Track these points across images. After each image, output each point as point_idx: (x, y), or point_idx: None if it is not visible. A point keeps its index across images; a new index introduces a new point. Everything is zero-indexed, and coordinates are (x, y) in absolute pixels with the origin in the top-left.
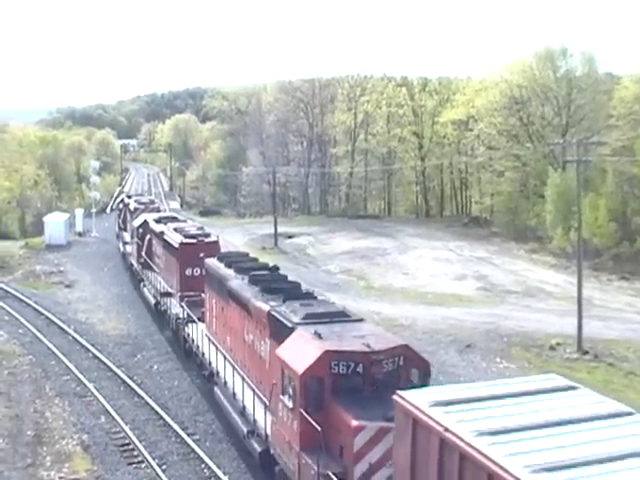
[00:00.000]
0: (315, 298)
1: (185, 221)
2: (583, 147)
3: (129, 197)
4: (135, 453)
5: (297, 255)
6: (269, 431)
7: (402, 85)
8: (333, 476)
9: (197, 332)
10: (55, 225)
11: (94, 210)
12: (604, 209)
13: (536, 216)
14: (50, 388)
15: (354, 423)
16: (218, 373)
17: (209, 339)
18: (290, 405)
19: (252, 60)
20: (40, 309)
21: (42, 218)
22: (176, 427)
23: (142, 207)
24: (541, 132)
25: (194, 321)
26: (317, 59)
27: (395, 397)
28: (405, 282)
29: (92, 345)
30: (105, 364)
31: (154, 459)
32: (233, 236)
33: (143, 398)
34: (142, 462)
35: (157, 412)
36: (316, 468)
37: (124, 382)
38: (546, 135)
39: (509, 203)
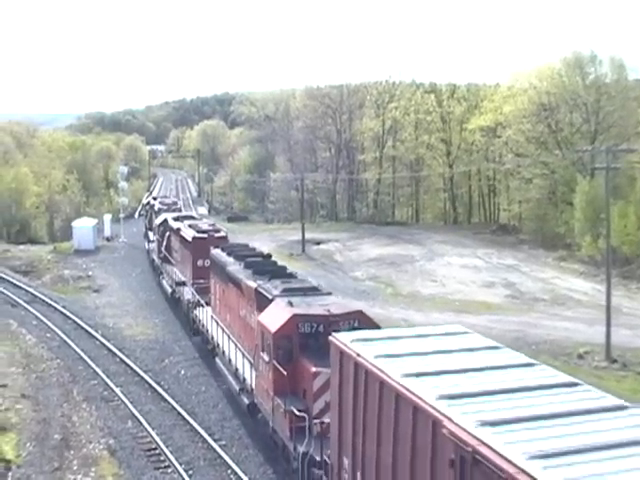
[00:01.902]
0: (296, 277)
1: (200, 219)
2: (612, 154)
3: (155, 199)
4: (162, 458)
5: (325, 261)
6: (254, 385)
7: (430, 92)
8: (296, 411)
9: (204, 314)
10: (84, 230)
11: (122, 215)
12: (633, 217)
13: (565, 223)
14: (77, 392)
15: (313, 369)
16: (218, 345)
17: (213, 318)
18: (267, 359)
19: (280, 66)
20: (68, 314)
21: (71, 223)
22: (203, 432)
23: (165, 207)
24: (570, 139)
25: (202, 305)
26: (345, 65)
27: (330, 338)
28: (433, 289)
29: (119, 350)
30: (132, 369)
31: (181, 464)
32: (261, 242)
33: (170, 403)
34: (169, 467)
35: (184, 417)
36: (284, 406)
37: (151, 387)
38: (575, 142)
39: (537, 210)
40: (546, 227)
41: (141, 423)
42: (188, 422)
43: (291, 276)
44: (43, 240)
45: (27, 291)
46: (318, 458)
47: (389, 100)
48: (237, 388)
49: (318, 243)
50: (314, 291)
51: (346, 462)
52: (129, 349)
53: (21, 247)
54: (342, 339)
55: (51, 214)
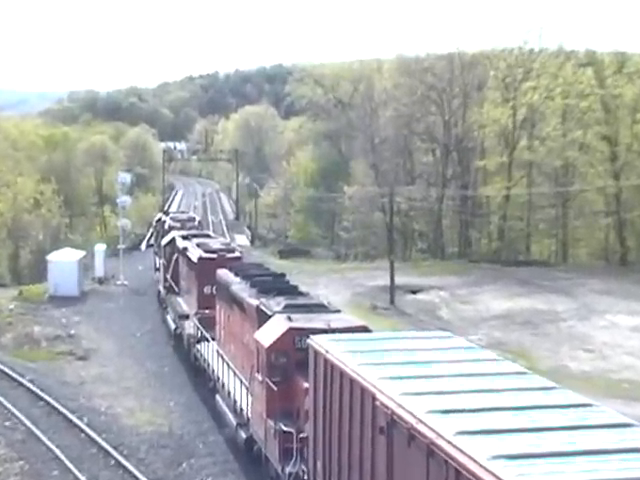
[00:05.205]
0: (305, 295)
1: (216, 238)
2: None
3: (166, 214)
4: None
5: (424, 318)
6: (250, 414)
7: (586, 64)
8: (284, 427)
9: (207, 349)
10: (64, 267)
11: (122, 246)
12: None
13: None
14: None
15: (305, 385)
16: (218, 378)
17: (217, 352)
18: (260, 379)
19: (359, 28)
20: (38, 392)
21: (45, 256)
22: None
23: (178, 225)
24: None
25: (207, 339)
26: (457, 26)
27: (308, 340)
28: (588, 363)
29: (114, 448)
30: (134, 476)
31: None
32: (329, 288)
33: None
34: None
35: None
36: (274, 427)
37: None
38: None
39: None
40: None
41: None
42: None
43: (300, 294)
44: (3, 281)
45: None
46: (306, 478)
47: (523, 77)
48: (235, 423)
49: (414, 292)
50: (320, 308)
51: (319, 465)
52: (129, 446)
53: None
54: (317, 340)
55: (16, 242)
